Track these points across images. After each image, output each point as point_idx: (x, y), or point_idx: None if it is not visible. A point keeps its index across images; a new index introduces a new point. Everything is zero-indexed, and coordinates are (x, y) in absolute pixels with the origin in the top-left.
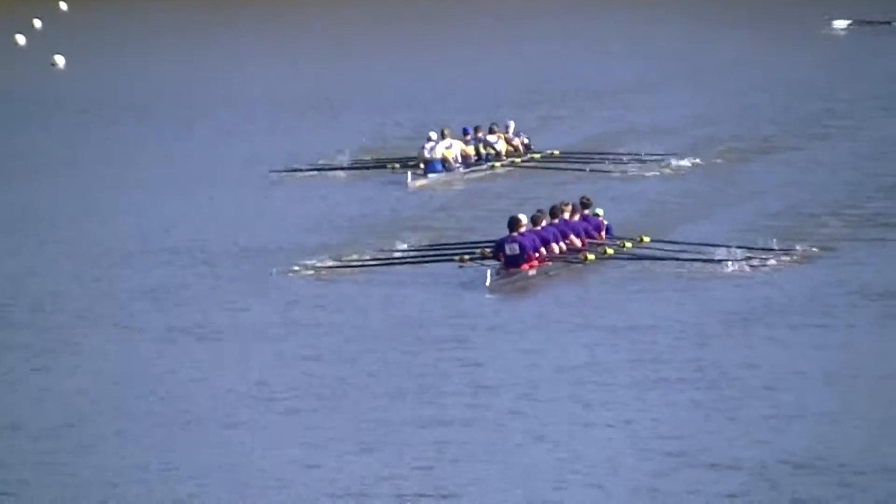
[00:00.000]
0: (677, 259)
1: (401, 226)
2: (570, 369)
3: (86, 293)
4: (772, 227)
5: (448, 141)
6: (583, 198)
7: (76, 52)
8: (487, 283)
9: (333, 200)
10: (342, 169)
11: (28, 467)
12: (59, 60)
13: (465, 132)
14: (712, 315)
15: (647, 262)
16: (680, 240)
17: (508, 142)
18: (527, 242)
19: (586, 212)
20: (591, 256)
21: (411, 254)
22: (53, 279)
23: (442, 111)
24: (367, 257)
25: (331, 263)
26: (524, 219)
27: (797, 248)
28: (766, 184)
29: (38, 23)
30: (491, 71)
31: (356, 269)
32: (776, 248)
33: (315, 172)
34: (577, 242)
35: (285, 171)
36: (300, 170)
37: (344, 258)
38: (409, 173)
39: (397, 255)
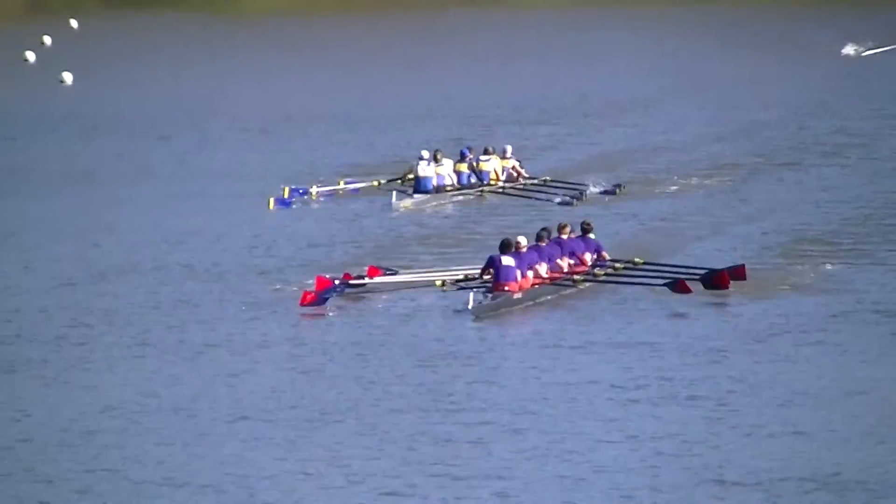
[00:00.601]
0: (669, 281)
1: (385, 248)
2: (551, 393)
3: (88, 307)
4: (774, 246)
5: (441, 162)
6: (583, 223)
7: (84, 69)
8: (470, 306)
9: (320, 220)
10: (329, 188)
11: (38, 477)
12: (67, 77)
13: (463, 155)
14: (705, 336)
15: (638, 286)
16: (675, 262)
17: (504, 167)
18: (523, 258)
19: (591, 237)
20: (580, 279)
21: (395, 278)
22: (54, 292)
23: (442, 128)
24: (350, 281)
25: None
26: (523, 240)
27: (799, 267)
28: (767, 202)
29: (48, 39)
30: (496, 87)
31: (339, 294)
32: (775, 268)
33: (306, 197)
34: (568, 263)
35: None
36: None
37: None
38: (395, 193)
39: (381, 279)
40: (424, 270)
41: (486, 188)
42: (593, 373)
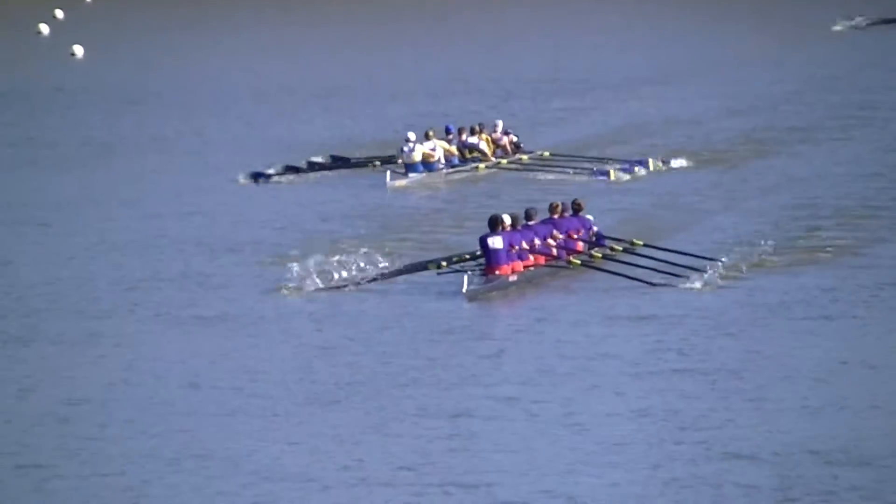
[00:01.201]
0: (670, 263)
1: (379, 229)
2: (546, 378)
3: (88, 282)
4: (774, 227)
5: (432, 142)
6: (574, 201)
7: (95, 43)
8: (465, 290)
9: (312, 201)
10: (324, 169)
11: (37, 452)
12: (78, 50)
13: (448, 131)
14: (702, 320)
15: (637, 268)
16: (674, 245)
17: (495, 142)
18: (510, 239)
19: (580, 215)
20: (576, 261)
21: (388, 263)
22: (54, 267)
23: (448, 102)
24: (343, 267)
25: (310, 285)
26: (507, 218)
27: (800, 249)
28: (768, 182)
29: (60, 13)
30: (503, 63)
31: (331, 290)
32: (774, 250)
33: (294, 176)
34: (563, 242)
35: (264, 175)
36: (278, 174)
37: (321, 273)
38: (389, 172)
39: (373, 267)
40: (421, 253)
41: (481, 165)
42: (592, 350)
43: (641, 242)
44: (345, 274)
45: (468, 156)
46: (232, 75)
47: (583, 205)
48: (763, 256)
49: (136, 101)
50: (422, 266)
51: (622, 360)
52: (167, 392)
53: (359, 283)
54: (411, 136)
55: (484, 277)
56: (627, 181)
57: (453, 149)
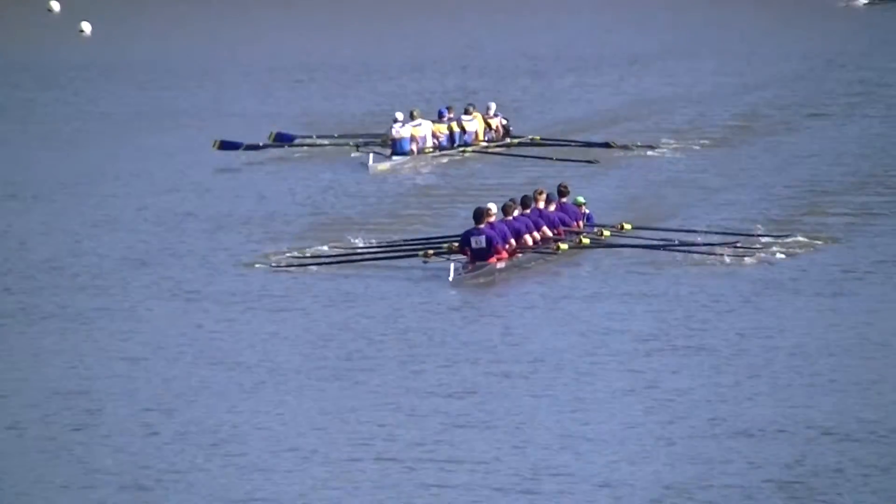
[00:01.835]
0: (658, 248)
1: (362, 215)
2: (530, 368)
3: (77, 258)
4: (767, 211)
5: (418, 121)
6: (560, 185)
7: (104, 20)
8: (451, 279)
9: (294, 182)
10: (306, 145)
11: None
12: (86, 27)
13: (441, 114)
14: (693, 306)
15: (626, 252)
16: (665, 227)
17: (487, 123)
18: (495, 234)
19: (564, 200)
20: (564, 246)
21: (373, 249)
22: (51, 241)
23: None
24: (327, 251)
25: (290, 259)
26: (493, 208)
27: (792, 234)
28: (761, 166)
29: None
30: (505, 39)
31: (316, 265)
32: (766, 234)
33: (278, 149)
34: (551, 234)
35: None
36: (256, 147)
37: (303, 252)
38: (371, 156)
39: (358, 250)
40: (407, 240)
41: (468, 149)
42: (585, 332)
43: (630, 226)
44: (324, 258)
45: (456, 129)
46: (240, 51)
47: (568, 189)
48: (761, 237)
49: (141, 77)
50: (409, 252)
51: (618, 342)
52: (136, 370)
53: (338, 262)
54: (399, 115)
55: (470, 265)
56: (624, 163)
57: (442, 127)
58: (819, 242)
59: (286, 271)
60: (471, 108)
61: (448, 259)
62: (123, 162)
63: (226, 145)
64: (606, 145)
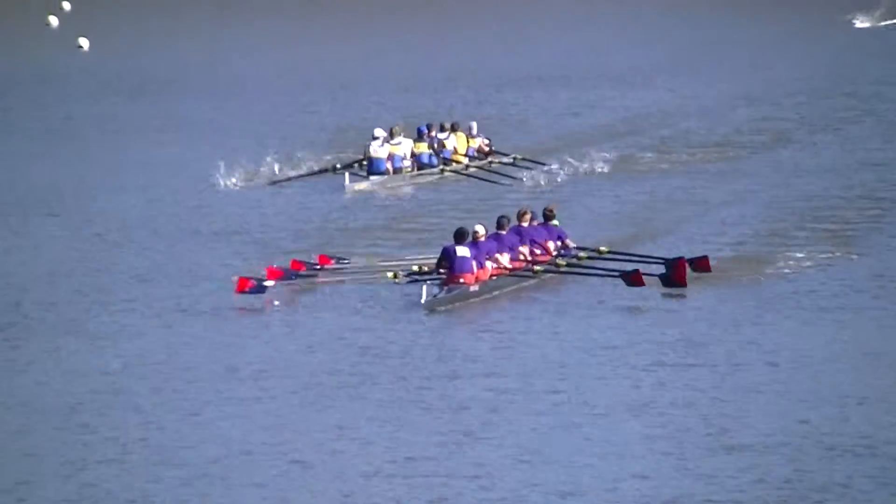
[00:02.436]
0: (626, 272)
1: (336, 235)
2: (498, 395)
3: (76, 273)
4: (750, 233)
5: (397, 140)
6: (545, 209)
7: (101, 35)
8: (423, 300)
9: (267, 204)
10: (289, 179)
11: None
12: (84, 43)
13: (420, 132)
14: (665, 331)
15: (602, 276)
16: (643, 251)
17: (468, 142)
18: (480, 248)
19: (551, 224)
20: (540, 269)
21: (346, 270)
22: (51, 258)
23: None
24: (300, 271)
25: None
26: (481, 229)
27: (776, 256)
28: (739, 188)
29: (67, 5)
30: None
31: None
32: (744, 261)
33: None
34: (528, 253)
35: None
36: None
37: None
38: (348, 175)
39: (330, 270)
40: (379, 258)
41: (447, 168)
42: (557, 358)
43: (608, 249)
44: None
45: (437, 150)
46: (239, 65)
47: (554, 212)
48: (747, 254)
49: (139, 92)
50: (380, 274)
51: (591, 367)
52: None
53: (311, 282)
54: (378, 132)
55: (444, 287)
56: (616, 180)
57: (423, 146)
58: (804, 263)
59: (255, 295)
60: (451, 126)
61: (420, 278)
62: (111, 177)
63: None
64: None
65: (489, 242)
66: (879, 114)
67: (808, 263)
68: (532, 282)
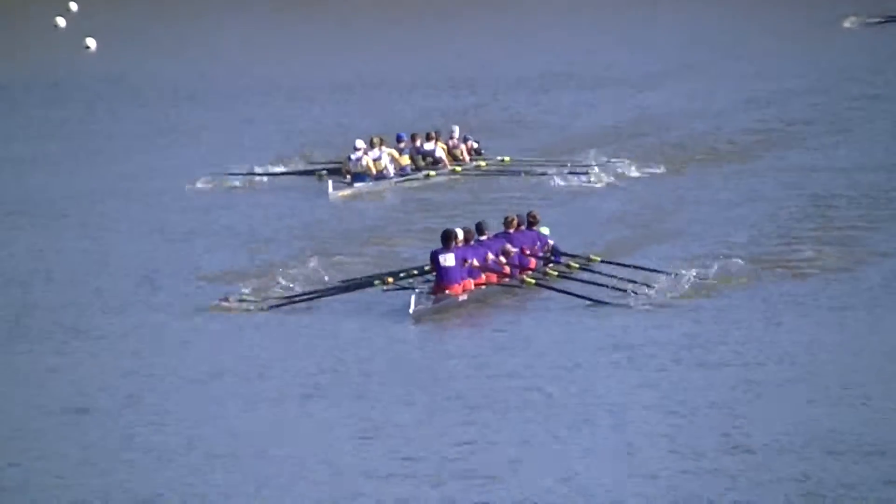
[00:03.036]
0: (626, 286)
1: (320, 242)
2: (490, 402)
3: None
4: (744, 243)
5: (377, 151)
6: (529, 214)
7: (108, 36)
8: (411, 310)
9: (251, 212)
10: (269, 175)
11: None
12: (91, 44)
13: (399, 139)
14: (657, 345)
15: (592, 287)
16: (635, 262)
17: (451, 149)
18: (466, 254)
19: (535, 229)
20: (530, 280)
21: (330, 280)
22: (46, 260)
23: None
24: (282, 291)
25: (246, 302)
26: (461, 233)
27: (774, 268)
28: (741, 193)
29: (73, 6)
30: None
31: (272, 306)
32: (744, 268)
33: (242, 178)
34: (516, 259)
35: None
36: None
37: (260, 295)
38: (331, 182)
39: (316, 288)
40: (366, 269)
41: (432, 172)
42: (546, 373)
43: (599, 258)
44: (282, 291)
45: (422, 163)
46: (247, 69)
47: (538, 217)
48: (734, 268)
49: (144, 92)
50: (367, 282)
51: (580, 383)
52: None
53: (296, 301)
54: (359, 143)
55: (433, 297)
56: (604, 185)
57: (405, 158)
58: (817, 263)
59: (245, 310)
60: (433, 134)
61: (408, 286)
62: (117, 178)
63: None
64: (584, 171)
65: (474, 248)
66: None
67: (821, 263)
68: (521, 291)
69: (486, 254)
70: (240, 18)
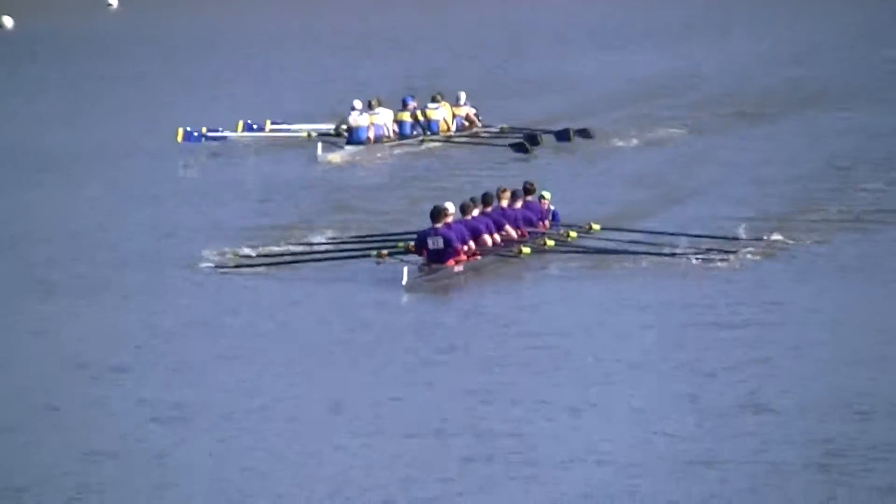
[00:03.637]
0: (627, 252)
1: (312, 209)
2: (482, 382)
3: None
4: (748, 211)
5: (377, 110)
6: (526, 183)
7: None
8: (404, 283)
9: (235, 174)
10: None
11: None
12: (114, 1)
13: (405, 103)
14: (661, 316)
15: (592, 256)
16: (636, 227)
17: (454, 112)
18: (453, 235)
19: (529, 198)
20: (526, 250)
21: (322, 248)
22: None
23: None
24: (274, 250)
25: (235, 260)
26: (451, 207)
27: (769, 238)
28: (739, 159)
29: None
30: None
31: (262, 266)
32: (745, 238)
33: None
34: (514, 234)
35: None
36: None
37: (249, 252)
38: (320, 144)
39: (306, 248)
40: (359, 238)
41: (427, 138)
42: (547, 341)
43: (599, 227)
44: (269, 256)
45: (421, 119)
46: (271, 24)
47: (535, 187)
48: (737, 239)
49: (166, 50)
50: (360, 252)
51: (581, 350)
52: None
53: (285, 263)
54: (357, 103)
55: (426, 268)
56: (612, 150)
57: (405, 115)
58: (799, 241)
59: (235, 272)
60: (438, 97)
61: (402, 261)
62: (139, 135)
63: (188, 136)
64: (583, 133)
65: (466, 224)
66: None
67: (846, 225)
68: (517, 261)
69: (481, 231)
70: None
